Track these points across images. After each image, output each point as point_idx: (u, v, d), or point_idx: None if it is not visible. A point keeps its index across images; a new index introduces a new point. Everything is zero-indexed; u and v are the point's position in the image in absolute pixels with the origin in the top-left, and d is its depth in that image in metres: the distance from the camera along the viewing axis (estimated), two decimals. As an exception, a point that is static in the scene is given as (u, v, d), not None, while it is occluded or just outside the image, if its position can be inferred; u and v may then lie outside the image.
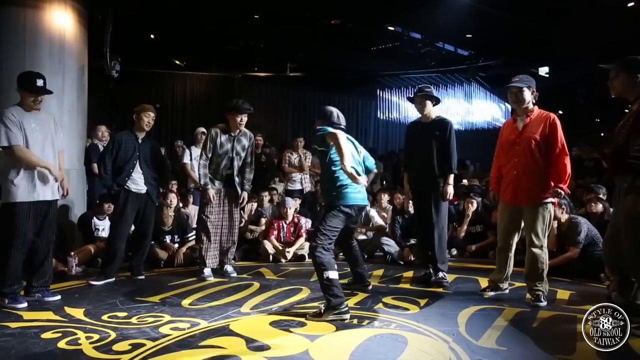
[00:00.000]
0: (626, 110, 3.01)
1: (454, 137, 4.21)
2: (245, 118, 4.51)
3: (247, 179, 4.67)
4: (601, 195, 5.24)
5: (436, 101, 4.30)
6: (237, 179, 4.58)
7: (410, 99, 4.45)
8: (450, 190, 4.18)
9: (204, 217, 4.51)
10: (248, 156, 4.66)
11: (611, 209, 4.83)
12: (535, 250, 3.47)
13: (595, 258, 4.36)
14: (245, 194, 4.68)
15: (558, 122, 3.45)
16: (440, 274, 4.18)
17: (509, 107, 3.85)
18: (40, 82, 3.53)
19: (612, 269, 3.15)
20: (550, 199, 3.48)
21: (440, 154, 4.16)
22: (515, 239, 3.69)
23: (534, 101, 3.57)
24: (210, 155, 4.47)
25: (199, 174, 4.51)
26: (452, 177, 4.21)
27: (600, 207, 5.11)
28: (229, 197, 4.59)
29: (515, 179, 3.53)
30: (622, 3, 7.69)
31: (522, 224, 3.61)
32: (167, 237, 5.32)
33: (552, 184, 3.42)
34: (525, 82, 3.53)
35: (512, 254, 3.72)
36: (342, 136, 3.27)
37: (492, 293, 3.77)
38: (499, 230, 3.78)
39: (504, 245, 3.69)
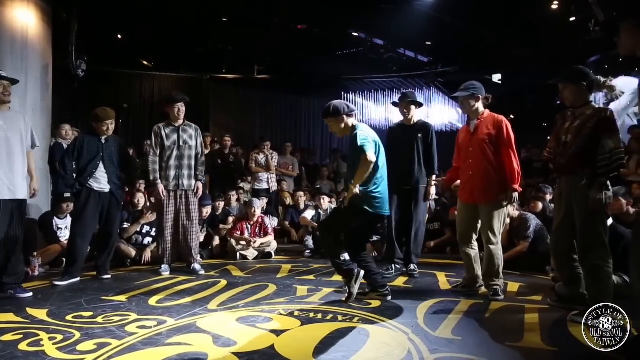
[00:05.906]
0: (569, 113, 3.16)
1: (435, 140, 4.44)
2: (182, 108, 4.60)
3: (199, 170, 4.72)
4: (548, 195, 5.48)
5: (419, 106, 4.52)
6: (189, 173, 4.61)
7: (394, 104, 4.65)
8: (433, 190, 4.41)
9: (160, 215, 4.60)
10: (198, 147, 4.71)
11: (552, 205, 5.11)
12: (492, 247, 3.60)
13: (542, 252, 4.62)
14: (199, 184, 4.70)
15: (506, 122, 3.60)
16: (412, 266, 4.50)
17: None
18: (3, 73, 3.55)
19: (561, 265, 3.29)
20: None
21: (422, 156, 4.40)
22: (474, 236, 3.79)
23: (486, 104, 3.73)
24: (159, 151, 4.55)
25: (149, 170, 4.54)
26: (434, 177, 4.44)
27: (540, 205, 5.38)
28: (184, 195, 4.63)
29: (470, 179, 3.69)
30: (565, 17, 8.21)
31: (479, 222, 3.73)
32: (135, 235, 5.31)
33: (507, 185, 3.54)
34: (471, 89, 3.68)
35: (476, 251, 3.80)
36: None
37: (463, 290, 3.82)
38: (457, 228, 3.87)
39: (464, 243, 3.79)
